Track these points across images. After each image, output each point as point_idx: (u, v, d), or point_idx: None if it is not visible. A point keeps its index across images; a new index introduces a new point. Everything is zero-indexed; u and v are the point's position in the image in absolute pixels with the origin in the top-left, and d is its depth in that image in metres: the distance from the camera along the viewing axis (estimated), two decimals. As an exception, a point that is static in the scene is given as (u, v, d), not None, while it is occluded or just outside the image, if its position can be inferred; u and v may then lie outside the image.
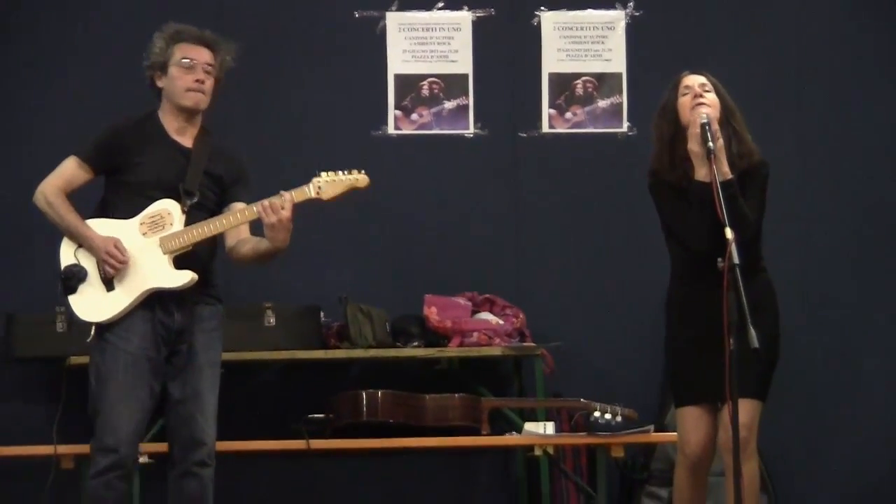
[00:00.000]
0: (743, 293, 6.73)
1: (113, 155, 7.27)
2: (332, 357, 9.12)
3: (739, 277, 6.71)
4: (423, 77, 9.59)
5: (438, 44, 9.63)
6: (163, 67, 7.27)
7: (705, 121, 7.15)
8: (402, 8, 9.57)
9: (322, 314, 9.16)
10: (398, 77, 9.57)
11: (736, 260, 6.74)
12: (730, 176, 7.07)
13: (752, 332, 6.78)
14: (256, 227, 7.28)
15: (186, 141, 7.31)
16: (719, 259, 6.82)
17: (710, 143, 7.11)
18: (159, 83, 7.29)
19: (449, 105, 9.59)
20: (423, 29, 9.60)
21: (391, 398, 8.69)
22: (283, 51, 9.38)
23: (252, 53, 8.74)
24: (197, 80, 7.23)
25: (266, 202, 7.06)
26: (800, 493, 9.10)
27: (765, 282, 7.28)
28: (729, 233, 6.82)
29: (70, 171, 7.26)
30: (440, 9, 9.58)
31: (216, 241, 7.31)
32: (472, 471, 9.52)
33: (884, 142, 9.62)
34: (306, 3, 9.52)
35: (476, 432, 8.72)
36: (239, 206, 7.21)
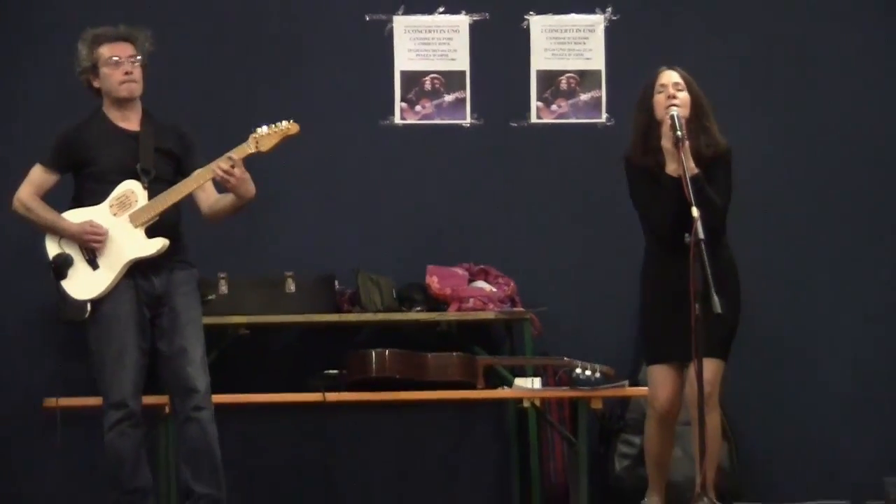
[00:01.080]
0: (708, 265, 7.01)
1: (71, 155, 7.54)
2: (345, 320, 9.17)
3: (705, 251, 6.96)
4: (426, 73, 9.65)
5: (439, 44, 9.69)
6: (94, 70, 7.49)
7: (675, 114, 7.35)
8: (407, 12, 9.59)
9: (336, 282, 9.20)
10: (404, 73, 9.63)
11: (701, 235, 6.97)
12: (696, 171, 7.27)
13: (716, 299, 7.05)
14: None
15: (133, 126, 7.54)
16: (686, 234, 7.03)
17: (679, 133, 7.37)
18: (95, 84, 7.52)
19: (448, 98, 9.66)
20: (425, 31, 9.66)
21: (397, 356, 8.78)
22: (302, 49, 9.35)
23: (274, 52, 9.11)
24: (126, 73, 7.46)
25: (217, 168, 7.28)
26: (757, 441, 9.17)
27: (728, 258, 7.50)
28: (695, 211, 7.04)
29: (38, 177, 7.55)
30: (441, 13, 9.63)
31: (179, 209, 7.51)
32: (469, 421, 9.58)
33: (840, 131, 9.62)
34: (323, 7, 9.50)
35: (472, 387, 8.80)
36: (197, 172, 7.40)
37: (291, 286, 9.06)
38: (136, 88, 7.51)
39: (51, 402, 8.56)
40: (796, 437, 9.42)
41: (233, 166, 7.27)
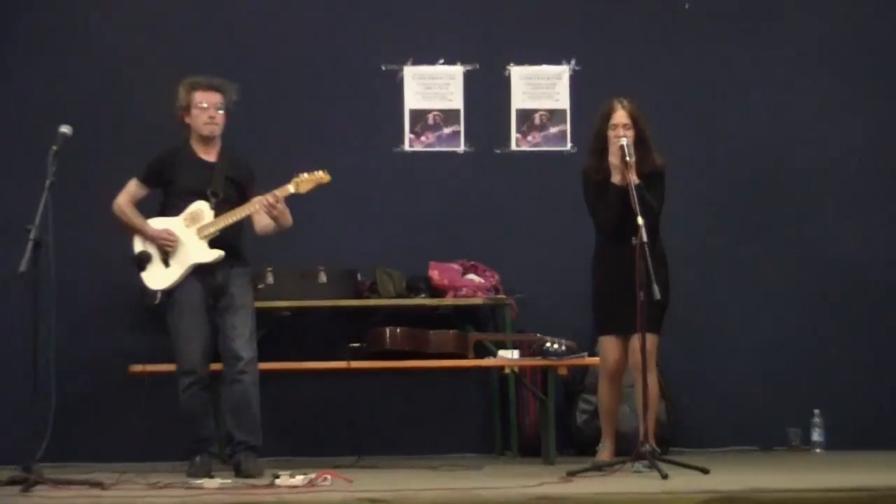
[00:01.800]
0: (650, 262, 7.11)
1: (159, 175, 7.66)
2: (365, 304, 9.22)
3: (647, 252, 7.09)
4: (429, 111, 9.65)
5: (439, 88, 9.68)
6: (186, 110, 7.58)
7: (624, 143, 7.49)
8: (414, 63, 9.62)
9: (358, 275, 9.25)
10: (412, 111, 9.63)
11: (645, 239, 7.10)
12: (637, 181, 7.37)
13: (656, 287, 7.15)
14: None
15: (211, 157, 7.65)
16: (633, 238, 7.16)
17: (628, 159, 7.46)
18: (186, 120, 7.62)
19: (446, 130, 9.66)
20: (429, 78, 9.66)
21: (406, 333, 8.79)
22: (335, 91, 9.35)
23: (313, 94, 9.05)
24: (210, 117, 7.57)
25: (264, 200, 7.44)
26: (690, 399, 9.22)
27: (661, 251, 7.55)
28: (640, 220, 7.16)
29: (133, 188, 7.69)
30: (441, 64, 9.64)
31: (241, 225, 7.60)
32: (461, 384, 9.56)
33: (744, 154, 9.65)
34: (348, 58, 9.49)
35: (464, 357, 8.81)
36: (256, 199, 7.51)
37: (323, 277, 9.08)
38: (216, 129, 7.62)
39: (136, 368, 8.56)
40: (717, 396, 9.42)
41: (276, 202, 7.44)
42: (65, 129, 7.17)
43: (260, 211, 7.54)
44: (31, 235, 6.82)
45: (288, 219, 7.60)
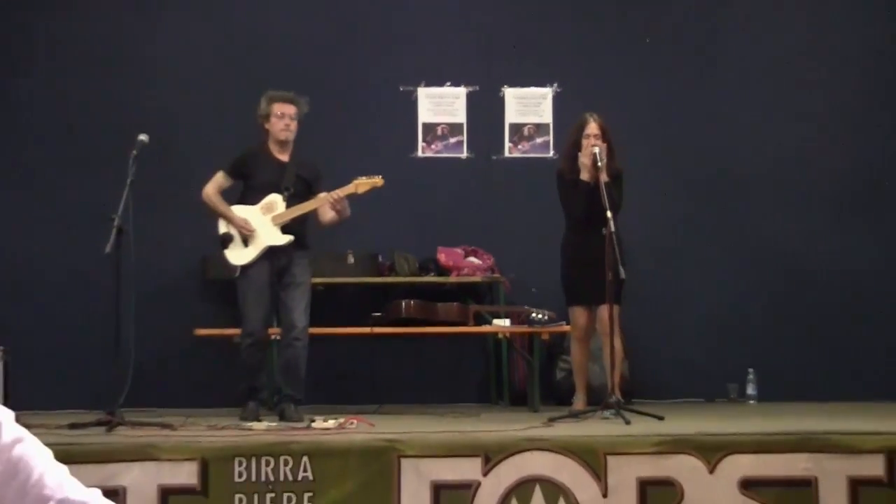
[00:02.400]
0: (617, 247, 7.19)
1: (242, 169, 7.68)
2: (385, 281, 9.23)
3: (615, 239, 7.17)
4: (438, 124, 9.61)
5: (447, 105, 9.62)
6: (267, 118, 7.59)
7: (597, 151, 7.55)
8: (426, 85, 9.56)
9: (379, 257, 9.24)
10: (424, 124, 9.59)
11: (613, 229, 7.19)
12: (607, 179, 7.42)
13: (621, 269, 7.24)
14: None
15: (284, 158, 7.65)
16: (598, 227, 7.30)
17: (599, 164, 7.51)
18: (266, 126, 7.63)
19: (452, 140, 9.61)
20: (438, 97, 9.61)
21: (418, 305, 8.76)
22: (358, 108, 9.31)
23: (339, 110, 9.04)
24: (285, 125, 7.58)
25: (329, 196, 7.49)
26: (644, 358, 9.11)
27: (620, 237, 7.39)
28: (609, 213, 7.25)
29: (220, 179, 7.68)
30: (448, 86, 9.59)
31: (306, 216, 7.63)
32: (463, 347, 9.53)
33: (703, 150, 9.60)
34: (372, 81, 9.45)
35: (465, 325, 8.81)
36: (321, 195, 7.56)
37: (351, 259, 9.11)
38: (290, 135, 7.64)
39: (200, 331, 8.64)
40: (670, 356, 9.36)
41: (340, 199, 7.49)
42: (143, 137, 7.22)
43: (325, 205, 7.58)
44: (115, 223, 6.92)
45: (347, 213, 7.64)
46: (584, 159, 7.65)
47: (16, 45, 9.24)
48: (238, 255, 7.61)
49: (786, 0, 9.91)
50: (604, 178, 7.46)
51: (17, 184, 9.04)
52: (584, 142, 7.77)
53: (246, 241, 7.59)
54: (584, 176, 7.64)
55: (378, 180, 7.65)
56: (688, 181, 9.63)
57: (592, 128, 7.79)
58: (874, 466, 6.34)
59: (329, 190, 7.61)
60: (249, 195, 7.65)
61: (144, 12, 9.36)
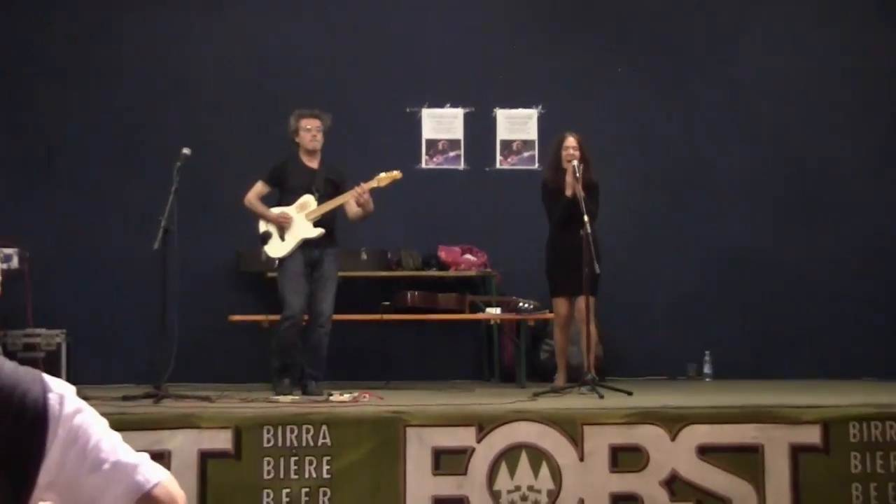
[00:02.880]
0: (592, 247, 7.19)
1: (277, 177, 7.62)
2: (393, 275, 9.21)
3: (591, 240, 7.18)
4: (439, 140, 9.61)
5: (447, 124, 9.61)
6: (296, 132, 7.54)
7: (575, 164, 7.56)
8: (429, 107, 9.57)
9: (388, 254, 9.22)
10: (427, 140, 9.60)
11: (589, 231, 7.20)
12: (583, 193, 7.40)
13: (597, 265, 7.23)
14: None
15: (314, 165, 7.60)
16: (581, 231, 7.26)
17: (577, 175, 7.52)
18: (297, 139, 7.57)
19: (451, 154, 9.61)
20: (439, 117, 9.61)
21: (422, 295, 8.86)
22: (371, 126, 9.26)
23: (356, 127, 8.95)
24: (312, 136, 7.54)
25: (355, 190, 7.40)
26: (616, 340, 9.09)
27: (597, 239, 7.38)
28: (586, 218, 7.26)
29: (259, 187, 7.62)
30: (448, 108, 9.59)
31: (335, 214, 7.56)
32: (460, 331, 9.48)
33: (667, 161, 9.62)
34: (383, 103, 9.47)
35: (462, 312, 8.88)
36: (345, 193, 7.47)
37: (364, 255, 9.08)
38: (317, 145, 7.60)
39: (234, 317, 8.64)
40: (638, 340, 9.35)
41: (363, 192, 7.43)
42: (186, 150, 7.22)
43: (351, 201, 7.50)
44: (162, 224, 6.93)
45: (371, 206, 7.54)
46: (568, 177, 7.63)
47: (79, 77, 9.22)
48: (276, 249, 7.55)
49: (739, 33, 9.88)
50: (580, 190, 7.43)
51: (81, 190, 9.06)
52: (563, 153, 7.81)
53: (283, 236, 7.53)
54: (568, 192, 7.62)
55: (397, 174, 7.57)
56: (654, 190, 9.62)
57: (570, 142, 7.83)
58: (812, 435, 6.35)
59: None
60: (285, 198, 7.60)
61: (187, 46, 9.33)
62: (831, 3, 9.88)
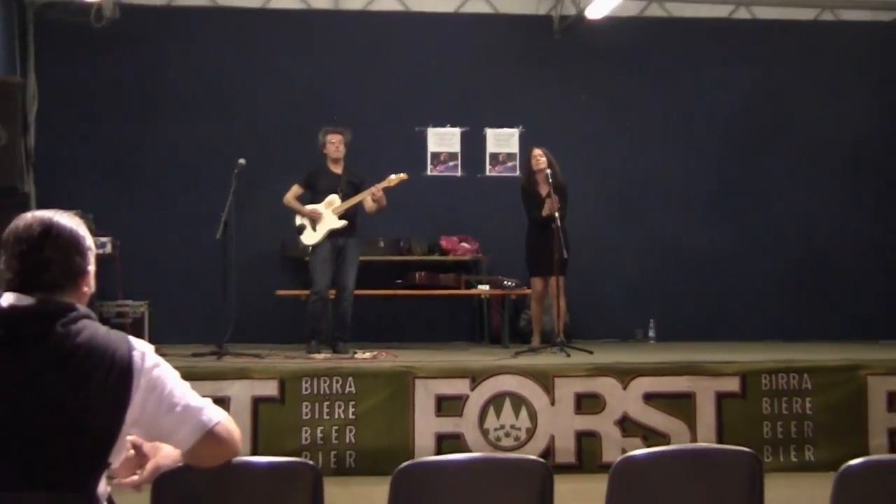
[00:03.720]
0: (562, 237, 7.19)
1: (310, 181, 7.55)
2: (404, 259, 9.08)
3: (560, 232, 7.17)
4: (441, 153, 9.51)
5: (447, 140, 9.51)
6: (324, 145, 7.50)
7: (548, 172, 7.56)
8: (433, 127, 9.46)
9: (401, 242, 9.12)
10: (431, 153, 9.51)
11: (559, 225, 7.19)
12: (557, 208, 7.35)
13: (565, 252, 7.23)
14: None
15: (338, 171, 7.55)
16: (553, 225, 7.26)
17: (550, 181, 7.51)
18: (324, 151, 7.52)
19: (451, 164, 9.51)
20: (441, 134, 9.51)
21: (427, 274, 8.85)
22: (387, 142, 9.12)
23: (374, 144, 8.78)
24: (336, 148, 7.49)
25: (371, 190, 7.34)
26: (580, 309, 8.90)
27: (566, 231, 7.48)
28: (557, 215, 7.27)
29: (295, 189, 7.56)
30: (448, 127, 9.49)
31: (356, 209, 7.49)
32: (458, 304, 9.40)
33: (621, 171, 9.49)
34: (397, 123, 9.31)
35: (459, 289, 8.87)
36: (366, 191, 7.41)
37: (381, 243, 9.00)
38: (340, 154, 7.56)
39: (280, 292, 8.57)
40: (597, 309, 9.23)
41: (378, 191, 7.38)
42: (241, 161, 7.21)
43: (368, 198, 7.44)
44: (223, 218, 6.94)
45: (384, 202, 7.47)
46: (546, 202, 7.52)
47: (160, 104, 9.14)
48: (309, 238, 7.49)
49: (674, 68, 9.79)
50: (555, 210, 7.34)
51: (160, 192, 9.00)
52: (533, 161, 7.84)
53: (314, 227, 7.46)
54: (545, 212, 7.53)
55: (404, 175, 7.51)
56: (610, 192, 9.49)
57: (536, 152, 7.86)
58: (732, 385, 6.39)
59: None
60: (315, 198, 7.54)
61: (243, 82, 9.23)
62: (744, 49, 9.77)
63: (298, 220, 7.56)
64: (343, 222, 7.44)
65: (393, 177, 7.49)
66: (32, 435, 2.18)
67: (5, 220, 2.32)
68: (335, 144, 7.55)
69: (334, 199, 7.49)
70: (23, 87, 7.66)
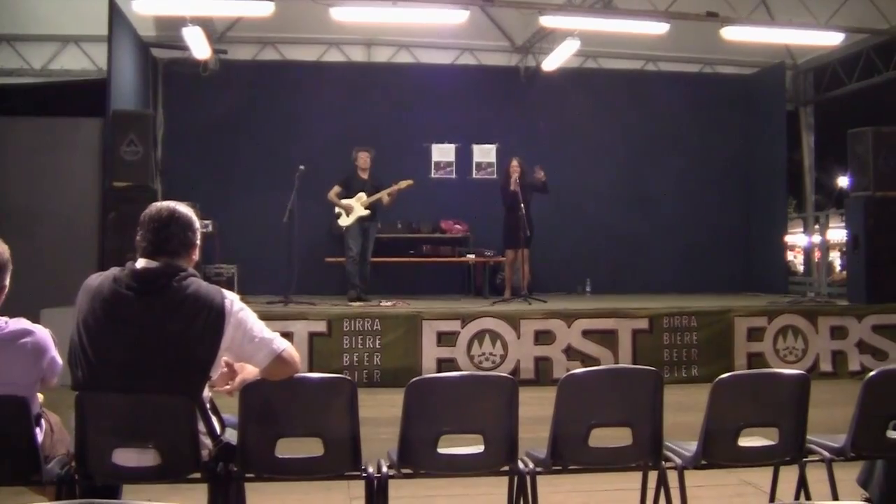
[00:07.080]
0: (526, 220, 7.13)
1: (346, 183, 7.41)
2: (415, 236, 8.91)
3: (525, 216, 7.08)
4: (441, 161, 9.33)
5: (446, 152, 9.31)
6: (356, 158, 7.38)
7: (515, 178, 7.49)
8: (436, 143, 9.27)
9: (412, 223, 8.95)
10: (434, 162, 9.33)
11: (523, 212, 7.12)
12: (518, 190, 7.29)
13: (529, 230, 7.20)
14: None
15: (365, 176, 7.44)
16: (519, 212, 7.22)
17: (516, 180, 7.44)
18: (356, 162, 7.39)
19: (447, 169, 9.32)
20: (441, 149, 9.30)
21: (432, 247, 8.78)
22: (400, 155, 8.81)
23: (390, 158, 8.40)
24: (364, 160, 7.37)
25: (387, 191, 7.24)
26: (540, 274, 8.57)
27: (530, 216, 7.37)
28: (522, 206, 7.21)
29: (336, 188, 7.41)
30: (446, 143, 9.30)
31: (376, 204, 7.38)
32: (453, 269, 9.10)
33: (576, 177, 9.04)
34: (406, 140, 9.06)
35: (454, 258, 8.75)
36: (384, 191, 7.31)
37: (399, 225, 8.85)
38: (367, 165, 7.44)
39: (328, 259, 8.39)
40: (550, 271, 8.91)
41: (391, 193, 7.30)
42: (302, 167, 7.15)
43: (384, 196, 7.37)
44: (289, 207, 6.89)
45: (395, 199, 7.44)
46: (512, 184, 7.44)
47: (252, 126, 9.00)
48: (345, 221, 7.46)
49: (607, 101, 9.60)
50: (517, 187, 7.27)
51: (247, 188, 8.81)
52: (510, 168, 7.77)
53: (348, 215, 7.42)
54: (511, 188, 7.50)
55: (411, 182, 7.48)
56: (562, 190, 9.11)
57: (513, 161, 7.78)
58: (643, 324, 6.52)
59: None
60: (349, 194, 7.47)
61: (305, 118, 9.08)
62: (650, 91, 9.62)
63: (337, 210, 7.53)
64: (368, 212, 7.46)
65: (403, 182, 7.48)
66: (159, 357, 2.24)
67: (141, 208, 2.43)
68: (363, 158, 7.48)
69: (362, 195, 7.46)
70: (154, 118, 7.84)
